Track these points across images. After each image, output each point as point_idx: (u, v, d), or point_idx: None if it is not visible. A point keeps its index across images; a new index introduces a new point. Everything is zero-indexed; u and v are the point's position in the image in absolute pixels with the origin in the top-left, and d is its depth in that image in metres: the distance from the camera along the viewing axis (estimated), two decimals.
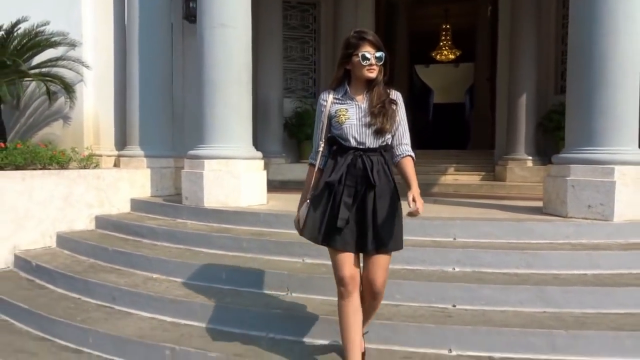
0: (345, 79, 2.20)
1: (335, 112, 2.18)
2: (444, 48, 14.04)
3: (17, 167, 4.58)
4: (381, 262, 2.18)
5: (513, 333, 2.54)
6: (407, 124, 2.26)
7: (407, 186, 2.17)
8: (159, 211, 4.71)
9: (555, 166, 3.91)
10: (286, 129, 8.40)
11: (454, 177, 8.60)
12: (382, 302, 2.33)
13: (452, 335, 2.58)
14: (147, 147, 5.36)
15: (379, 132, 2.13)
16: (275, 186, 4.82)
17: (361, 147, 2.15)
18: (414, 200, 2.07)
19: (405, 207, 2.14)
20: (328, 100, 2.21)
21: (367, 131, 2.13)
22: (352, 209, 2.14)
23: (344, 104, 2.18)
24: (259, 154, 4.74)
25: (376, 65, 2.10)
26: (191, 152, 4.57)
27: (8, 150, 4.53)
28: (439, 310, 2.81)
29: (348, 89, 2.18)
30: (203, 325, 2.93)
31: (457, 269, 3.17)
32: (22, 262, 4.28)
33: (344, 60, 2.16)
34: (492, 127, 9.41)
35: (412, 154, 2.24)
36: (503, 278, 3.02)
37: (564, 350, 2.47)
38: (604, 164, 3.53)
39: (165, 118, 5.55)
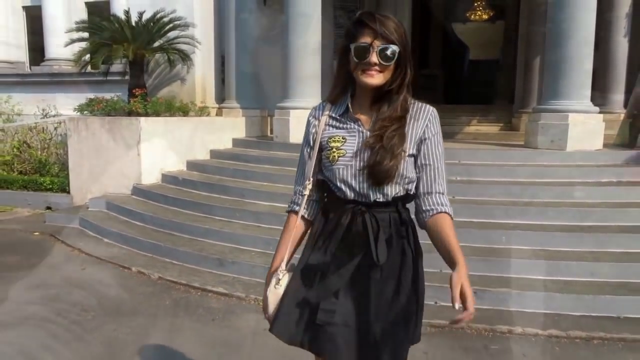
0: (349, 87, 1.48)
1: (328, 142, 1.47)
2: (478, 9, 15.21)
3: (157, 114, 6.64)
4: None
5: (486, 208, 4.43)
6: (442, 160, 1.49)
7: (449, 264, 1.34)
8: (255, 146, 6.74)
9: (533, 114, 5.67)
10: None
11: (476, 128, 10.25)
12: None
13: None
14: (241, 101, 7.37)
15: (375, 179, 1.40)
16: None
17: (363, 200, 1.44)
18: (461, 293, 1.22)
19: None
20: (321, 120, 1.51)
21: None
22: (345, 295, 1.43)
23: (342, 128, 1.48)
24: None
25: (379, 65, 1.35)
26: (280, 104, 6.50)
27: (153, 102, 6.59)
28: None
29: (349, 103, 1.47)
30: None
31: (458, 178, 5.02)
32: (168, 178, 6.40)
33: (343, 56, 1.44)
34: (513, 83, 10.91)
35: (450, 210, 1.46)
36: (486, 182, 4.89)
37: (513, 217, 4.34)
38: (563, 112, 5.26)
39: (252, 79, 7.50)
